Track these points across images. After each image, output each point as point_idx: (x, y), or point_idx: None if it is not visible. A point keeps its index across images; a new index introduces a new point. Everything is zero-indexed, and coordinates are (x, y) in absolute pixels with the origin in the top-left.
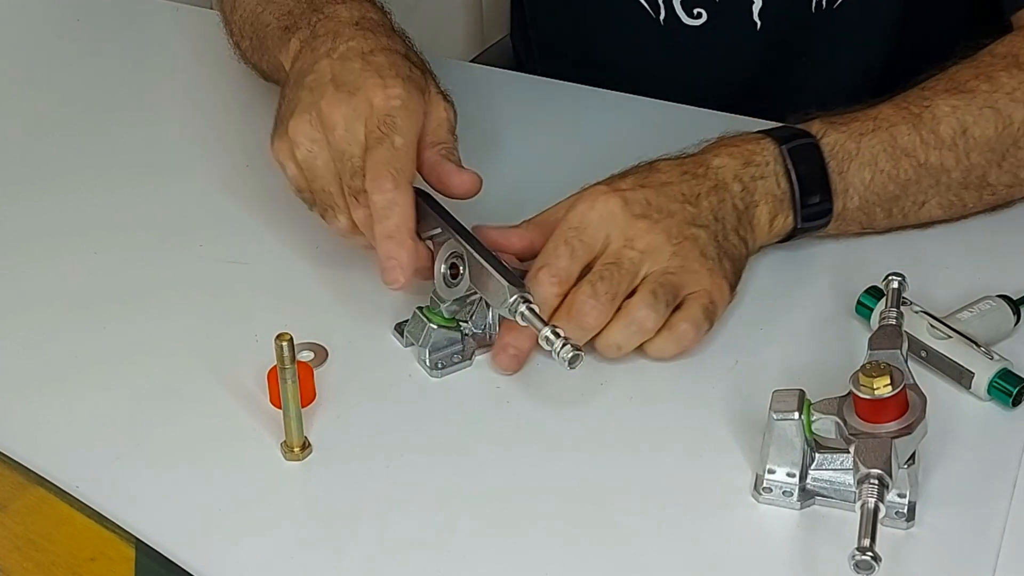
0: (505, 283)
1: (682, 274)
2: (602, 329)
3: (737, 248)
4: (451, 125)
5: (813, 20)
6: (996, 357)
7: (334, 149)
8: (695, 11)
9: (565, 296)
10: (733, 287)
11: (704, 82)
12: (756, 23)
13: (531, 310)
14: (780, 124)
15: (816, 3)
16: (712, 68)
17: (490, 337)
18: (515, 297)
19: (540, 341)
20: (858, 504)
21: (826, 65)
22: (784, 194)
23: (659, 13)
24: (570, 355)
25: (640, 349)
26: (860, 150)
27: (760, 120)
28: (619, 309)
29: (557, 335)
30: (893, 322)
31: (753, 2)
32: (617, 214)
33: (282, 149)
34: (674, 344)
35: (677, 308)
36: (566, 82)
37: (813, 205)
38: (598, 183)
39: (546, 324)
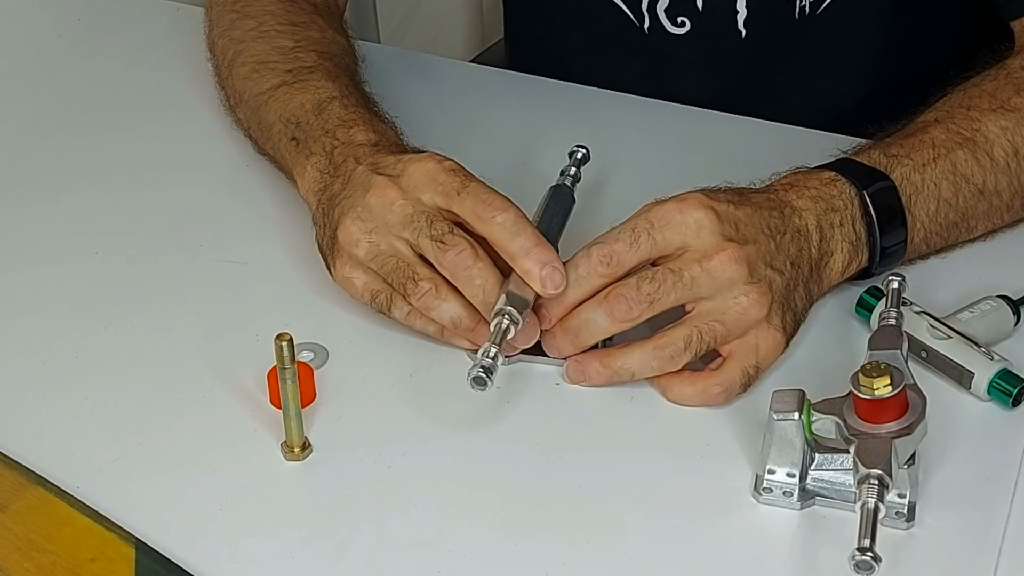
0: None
1: (738, 321)
2: (623, 349)
3: (803, 302)
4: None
5: (797, 27)
6: (996, 357)
7: (395, 223)
8: (679, 19)
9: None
10: (787, 343)
11: (688, 90)
12: (741, 32)
13: (498, 327)
14: (845, 158)
15: (800, 10)
16: (696, 76)
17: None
18: (501, 307)
19: (481, 349)
20: (858, 504)
21: (811, 72)
22: (860, 240)
23: (643, 21)
24: (474, 375)
25: (658, 384)
26: (925, 182)
27: (760, 120)
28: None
29: (489, 354)
30: (893, 322)
31: (737, 11)
32: (705, 227)
33: (344, 266)
34: (698, 401)
35: (717, 354)
36: (566, 82)
37: (890, 247)
38: (691, 190)
39: (496, 345)
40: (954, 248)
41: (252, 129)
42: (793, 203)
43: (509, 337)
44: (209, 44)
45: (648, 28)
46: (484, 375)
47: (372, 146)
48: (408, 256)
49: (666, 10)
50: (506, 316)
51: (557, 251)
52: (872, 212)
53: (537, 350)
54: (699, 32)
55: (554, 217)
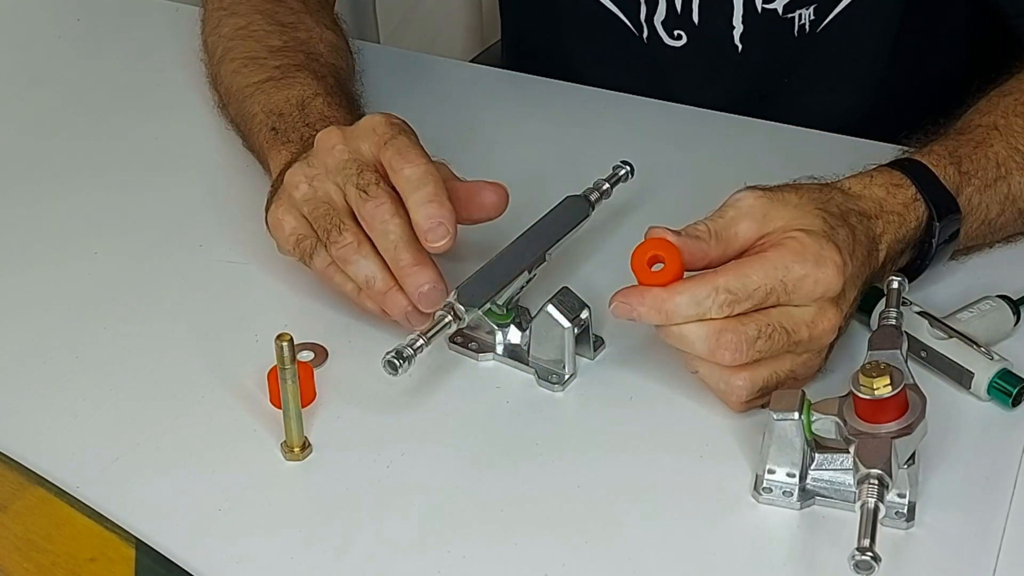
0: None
1: (801, 377)
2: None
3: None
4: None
5: (797, 44)
6: (996, 357)
7: (332, 167)
8: (675, 32)
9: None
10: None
11: (688, 101)
12: (737, 46)
13: (439, 319)
14: (927, 169)
15: (799, 27)
16: (695, 88)
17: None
18: (449, 301)
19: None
20: (858, 504)
21: (812, 88)
22: (907, 261)
23: (642, 32)
24: (387, 359)
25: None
26: (981, 204)
27: (760, 120)
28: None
29: (414, 344)
30: (893, 322)
31: (733, 26)
32: (828, 299)
33: (278, 208)
34: (719, 392)
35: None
36: (566, 82)
37: (925, 264)
38: (817, 231)
39: (425, 336)
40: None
41: (239, 123)
42: (878, 234)
43: (448, 332)
44: (202, 42)
45: (647, 39)
46: (396, 360)
47: None
48: (339, 205)
49: (663, 22)
50: (450, 311)
51: (548, 253)
52: (934, 243)
53: (518, 356)
54: (695, 46)
55: (553, 223)
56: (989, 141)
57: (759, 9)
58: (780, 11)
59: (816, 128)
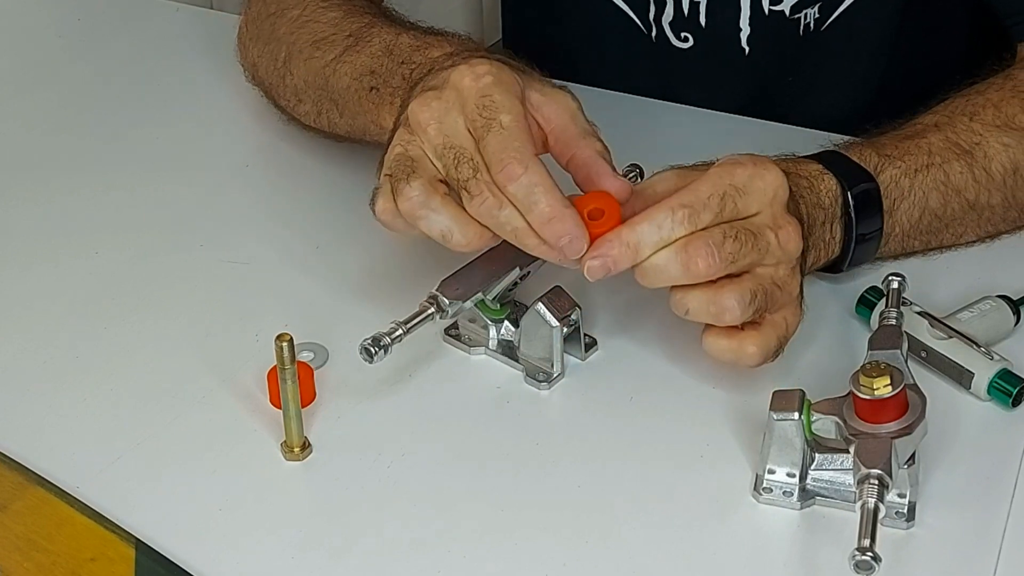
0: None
1: (784, 290)
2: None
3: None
4: (583, 114)
5: (801, 44)
6: (996, 357)
7: (430, 147)
8: (682, 35)
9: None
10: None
11: (694, 104)
12: (744, 49)
13: (422, 310)
14: (835, 151)
15: (804, 26)
16: (701, 89)
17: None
18: (434, 293)
19: (394, 324)
20: (858, 504)
21: (815, 87)
22: (835, 240)
23: (651, 31)
24: (363, 345)
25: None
26: (913, 188)
27: (760, 120)
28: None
29: (392, 333)
30: (893, 322)
31: (740, 29)
32: (779, 198)
33: (383, 186)
34: (731, 356)
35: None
36: (566, 82)
37: (863, 247)
38: (750, 155)
39: (404, 326)
40: (941, 250)
41: (325, 108)
42: (793, 191)
43: (430, 324)
44: (249, 68)
45: (655, 38)
46: (372, 347)
47: (449, 56)
48: (422, 164)
49: (671, 23)
50: (434, 303)
51: None
52: (852, 213)
53: (510, 352)
54: (702, 48)
55: None
56: (923, 134)
57: (766, 11)
58: (787, 12)
59: (817, 127)
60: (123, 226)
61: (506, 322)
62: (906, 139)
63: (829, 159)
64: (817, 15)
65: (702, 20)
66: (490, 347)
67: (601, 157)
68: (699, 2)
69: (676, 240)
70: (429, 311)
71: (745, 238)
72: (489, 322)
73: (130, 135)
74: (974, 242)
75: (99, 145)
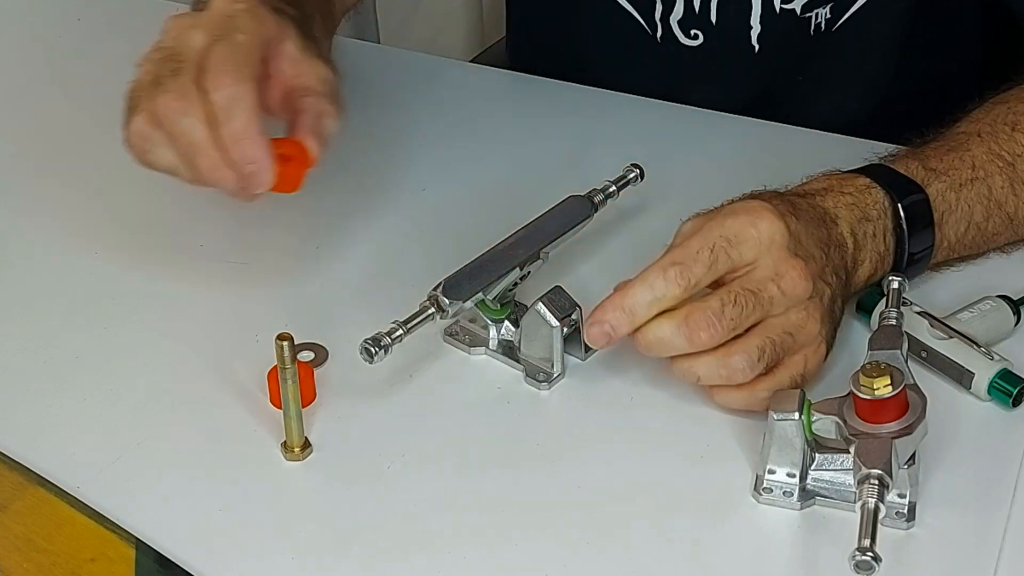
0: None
1: (798, 336)
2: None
3: (839, 312)
4: (332, 86)
5: (812, 43)
6: (996, 357)
7: (162, 57)
8: (692, 32)
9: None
10: (827, 354)
11: (701, 101)
12: (754, 47)
13: (422, 309)
14: (881, 164)
15: (815, 26)
16: (708, 88)
17: (491, 344)
18: (433, 293)
19: (394, 324)
20: (858, 504)
21: (824, 87)
22: (888, 252)
23: (656, 31)
24: (363, 346)
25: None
26: (959, 202)
27: (766, 121)
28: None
29: (393, 333)
30: (893, 322)
31: (751, 26)
32: (777, 243)
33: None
34: (744, 405)
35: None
36: (566, 82)
37: (915, 260)
38: (753, 198)
39: (404, 326)
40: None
41: None
42: (831, 211)
43: (431, 323)
44: None
45: (660, 37)
46: (372, 347)
47: None
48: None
49: (679, 21)
50: (434, 303)
51: (545, 252)
52: (904, 224)
53: (510, 352)
54: (712, 45)
55: (551, 221)
56: (967, 146)
57: (777, 9)
58: (799, 11)
59: (824, 127)
60: (123, 226)
61: (506, 322)
62: (950, 151)
63: (875, 172)
64: (829, 15)
65: (713, 17)
66: (490, 347)
67: (325, 118)
68: None
69: (670, 297)
70: (429, 311)
71: (745, 300)
72: (489, 322)
73: None
74: (1002, 249)
75: (99, 144)
